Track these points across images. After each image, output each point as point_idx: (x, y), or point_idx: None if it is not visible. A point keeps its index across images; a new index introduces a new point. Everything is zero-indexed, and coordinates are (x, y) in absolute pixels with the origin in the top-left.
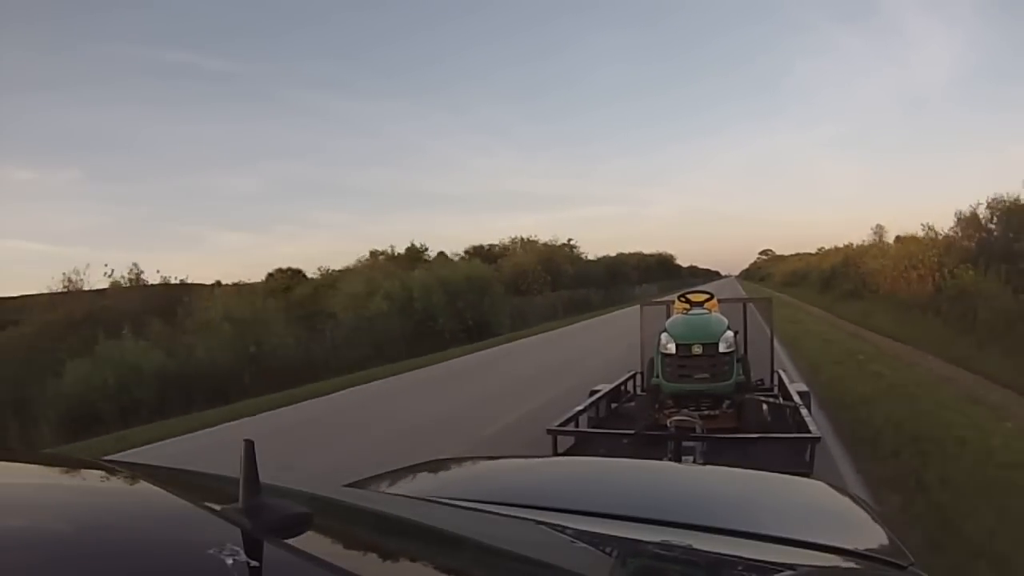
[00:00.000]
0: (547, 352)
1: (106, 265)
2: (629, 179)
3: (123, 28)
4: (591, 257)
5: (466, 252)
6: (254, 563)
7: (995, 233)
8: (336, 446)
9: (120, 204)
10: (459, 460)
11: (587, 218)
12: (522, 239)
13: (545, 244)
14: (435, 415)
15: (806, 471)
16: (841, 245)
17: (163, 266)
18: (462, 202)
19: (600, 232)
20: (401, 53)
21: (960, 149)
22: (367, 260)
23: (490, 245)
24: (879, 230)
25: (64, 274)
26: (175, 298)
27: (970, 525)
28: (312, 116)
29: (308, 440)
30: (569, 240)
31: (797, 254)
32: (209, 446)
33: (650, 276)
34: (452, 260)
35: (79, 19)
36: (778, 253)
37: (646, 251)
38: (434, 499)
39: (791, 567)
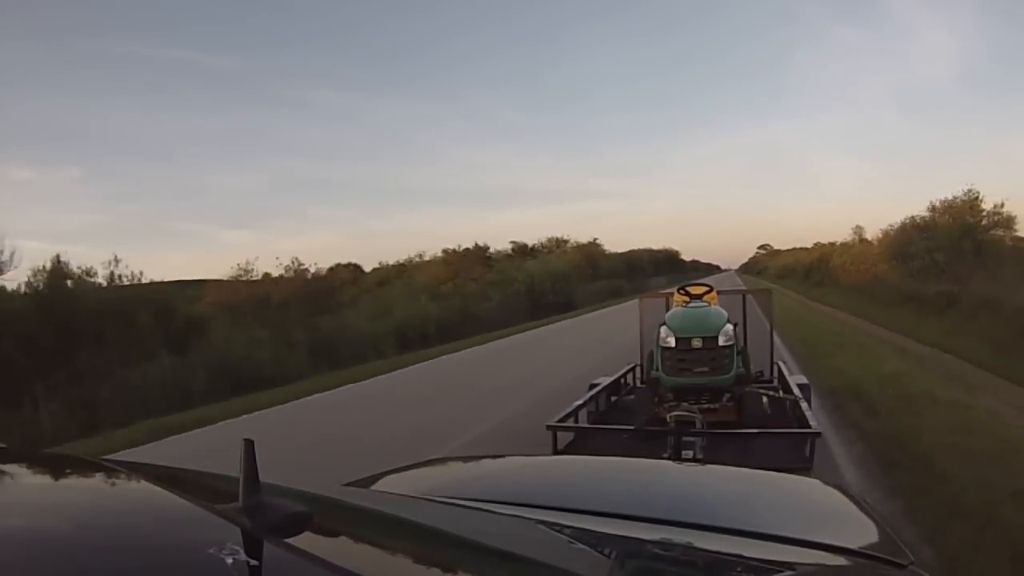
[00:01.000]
0: (619, 316)
1: (277, 258)
2: (629, 174)
3: (122, 25)
4: (611, 252)
5: (512, 249)
6: (254, 562)
7: (904, 241)
8: (551, 341)
9: (118, 202)
10: (459, 459)
11: (588, 212)
12: (557, 239)
13: (580, 244)
14: (579, 342)
15: (806, 466)
16: (829, 241)
17: (164, 264)
18: (463, 196)
19: (601, 226)
20: (398, 49)
21: (957, 146)
22: (440, 256)
23: (532, 245)
24: (858, 230)
25: (238, 264)
26: (328, 282)
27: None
28: (312, 112)
29: (534, 344)
30: (595, 239)
31: (792, 249)
32: (498, 348)
33: (660, 270)
34: (551, 255)
35: (77, 16)
36: (776, 248)
37: (649, 246)
38: (434, 498)
39: (790, 566)
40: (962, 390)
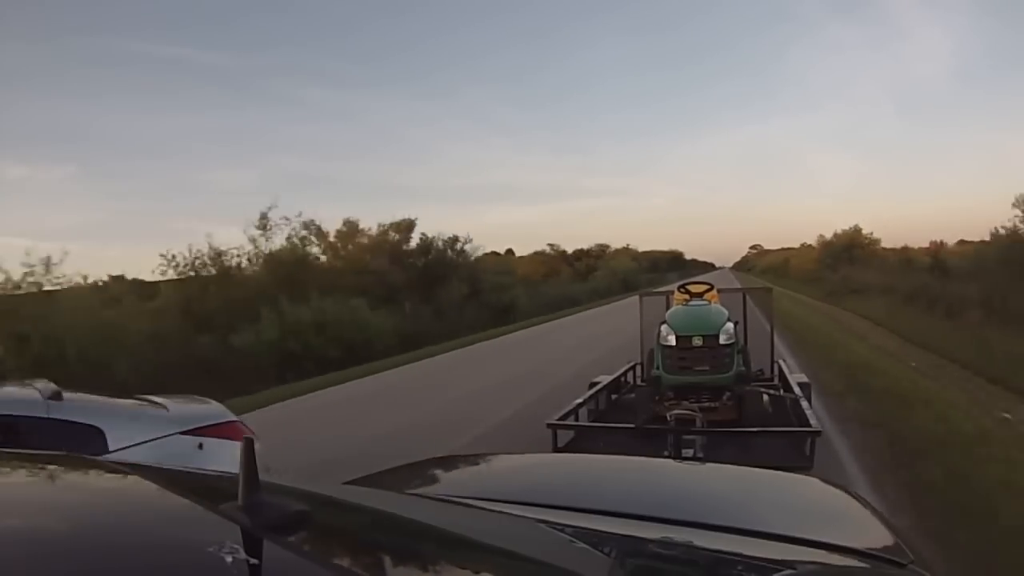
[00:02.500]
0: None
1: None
2: (625, 172)
3: (116, 22)
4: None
5: (551, 249)
6: (253, 561)
7: (823, 251)
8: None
9: (113, 200)
10: (458, 457)
11: (584, 210)
12: (598, 245)
13: (619, 248)
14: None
15: (806, 464)
16: (819, 235)
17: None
18: (459, 194)
19: (595, 223)
20: (395, 46)
21: (951, 143)
22: (539, 254)
23: (576, 249)
24: (820, 239)
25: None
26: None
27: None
28: (308, 109)
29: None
30: (627, 245)
31: (779, 249)
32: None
33: (671, 267)
34: (617, 256)
35: (72, 13)
36: (765, 247)
37: (646, 242)
38: (433, 497)
39: (791, 564)
40: (811, 310)
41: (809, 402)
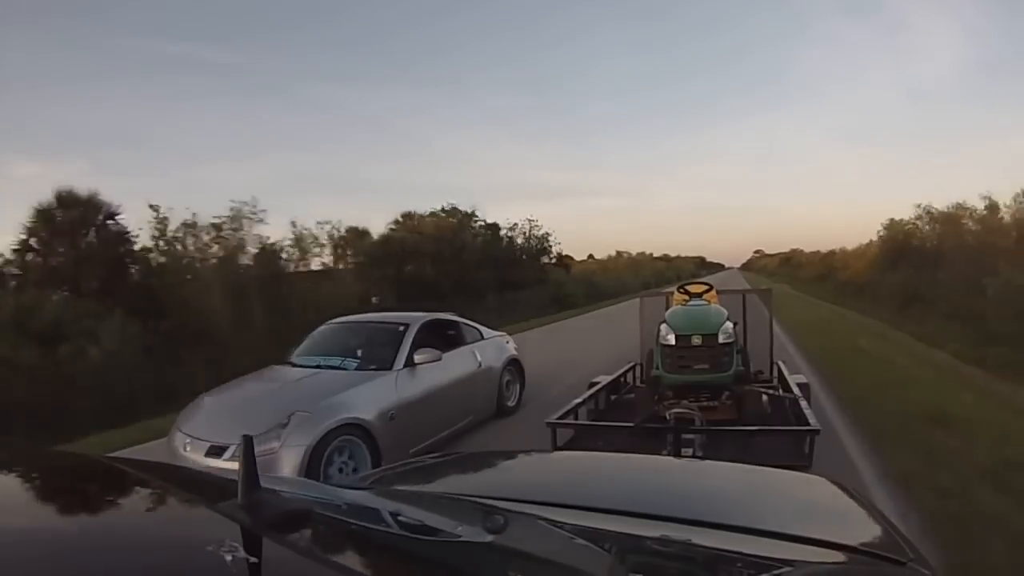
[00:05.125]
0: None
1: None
2: (634, 172)
3: (125, 19)
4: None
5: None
6: (253, 559)
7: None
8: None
9: (123, 198)
10: (458, 456)
11: (593, 208)
12: (641, 252)
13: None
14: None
15: (805, 463)
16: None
17: None
18: (465, 193)
19: (605, 222)
20: (405, 46)
21: (960, 145)
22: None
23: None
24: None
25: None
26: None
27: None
28: (315, 107)
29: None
30: (666, 254)
31: (780, 253)
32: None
33: (698, 268)
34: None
35: (82, 10)
36: (766, 252)
37: (656, 243)
38: (432, 494)
39: (790, 563)
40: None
41: (808, 402)
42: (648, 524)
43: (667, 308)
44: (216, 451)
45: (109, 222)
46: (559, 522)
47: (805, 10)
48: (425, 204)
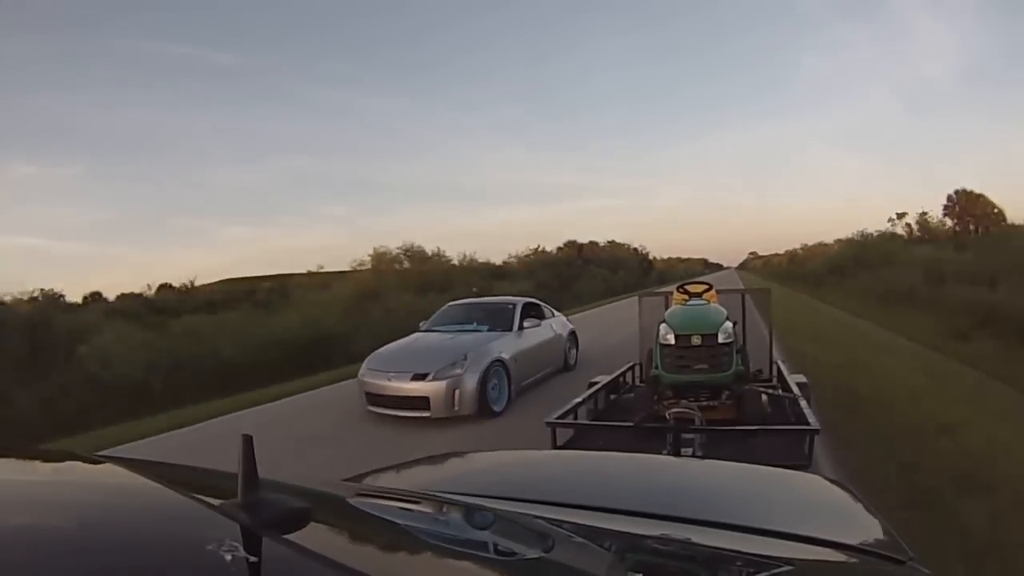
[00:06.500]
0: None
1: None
2: (632, 174)
3: (130, 21)
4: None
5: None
6: (253, 559)
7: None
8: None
9: (119, 199)
10: (457, 455)
11: (592, 209)
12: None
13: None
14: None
15: (805, 463)
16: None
17: (168, 260)
18: (463, 193)
19: (602, 223)
20: (405, 50)
21: (955, 145)
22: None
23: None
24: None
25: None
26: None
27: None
28: (317, 111)
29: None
30: (680, 256)
31: (773, 254)
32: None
33: (703, 268)
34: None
35: (86, 13)
36: (760, 253)
37: (655, 244)
38: (432, 493)
39: (790, 562)
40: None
41: (808, 402)
42: (648, 523)
43: (667, 308)
44: (419, 377)
45: None
46: (559, 521)
47: (803, 16)
48: (425, 204)
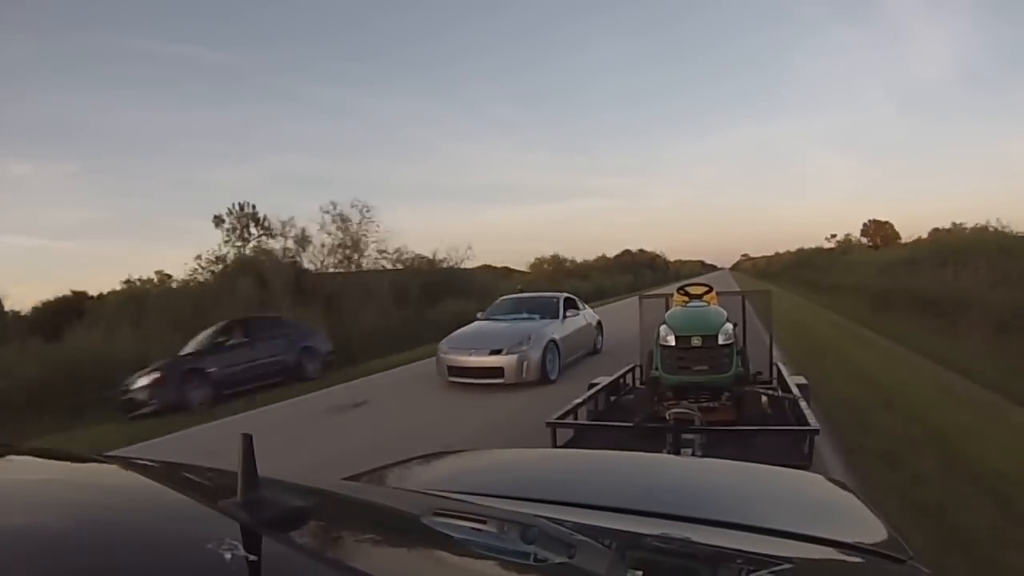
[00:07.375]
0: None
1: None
2: (624, 173)
3: (123, 18)
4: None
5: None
6: (252, 557)
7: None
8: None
9: (114, 198)
10: (457, 453)
11: (585, 210)
12: (679, 260)
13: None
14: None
15: (804, 463)
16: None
17: (162, 259)
18: (460, 193)
19: (596, 224)
20: (399, 48)
21: (952, 148)
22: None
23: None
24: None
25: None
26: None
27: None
28: (308, 106)
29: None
30: (682, 259)
31: (762, 256)
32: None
33: (702, 269)
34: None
35: (77, 8)
36: (752, 255)
37: (647, 244)
38: (432, 492)
39: (789, 560)
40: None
41: (808, 403)
42: (648, 521)
43: (667, 309)
44: (496, 352)
45: None
46: (559, 519)
47: (801, 20)
48: (427, 204)
